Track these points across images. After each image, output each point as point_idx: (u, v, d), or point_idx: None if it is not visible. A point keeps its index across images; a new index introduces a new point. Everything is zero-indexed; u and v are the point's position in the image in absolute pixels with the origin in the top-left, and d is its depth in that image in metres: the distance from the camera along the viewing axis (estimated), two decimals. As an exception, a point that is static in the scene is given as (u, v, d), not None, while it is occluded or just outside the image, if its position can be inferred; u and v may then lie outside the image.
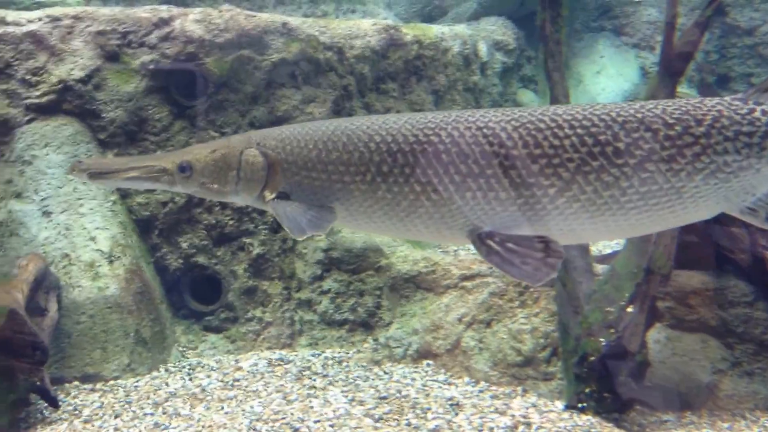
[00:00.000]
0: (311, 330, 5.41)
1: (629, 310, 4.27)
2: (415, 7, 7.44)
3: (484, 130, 2.74)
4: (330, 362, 5.08)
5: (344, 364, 5.06)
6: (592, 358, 4.24)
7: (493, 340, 4.87)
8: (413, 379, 4.78)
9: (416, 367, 4.96)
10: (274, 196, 3.03)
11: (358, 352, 5.23)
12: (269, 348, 5.37)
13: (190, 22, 5.48)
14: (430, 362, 4.99)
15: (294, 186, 3.01)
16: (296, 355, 5.22)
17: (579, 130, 2.67)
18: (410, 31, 6.21)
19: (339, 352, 5.25)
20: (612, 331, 4.29)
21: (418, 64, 6.25)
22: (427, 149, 2.78)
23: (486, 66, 6.94)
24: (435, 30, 6.48)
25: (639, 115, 2.68)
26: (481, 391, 4.62)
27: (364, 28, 5.98)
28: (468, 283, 5.11)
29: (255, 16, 5.67)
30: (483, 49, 6.86)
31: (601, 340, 4.26)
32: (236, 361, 5.13)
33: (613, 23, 8.47)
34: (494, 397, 4.54)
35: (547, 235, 2.73)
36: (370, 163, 2.85)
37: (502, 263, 2.70)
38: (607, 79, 7.98)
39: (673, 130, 2.64)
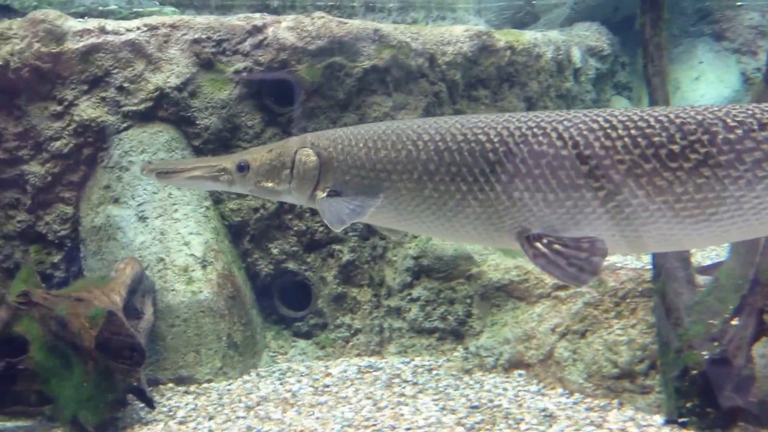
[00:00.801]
0: (400, 338, 5.36)
1: (734, 322, 4.08)
2: (507, 13, 7.35)
3: (535, 130, 2.66)
4: (420, 370, 5.02)
5: (434, 372, 4.99)
6: (694, 372, 4.08)
7: (588, 351, 4.72)
8: (505, 389, 4.67)
9: (508, 377, 4.85)
10: (325, 194, 3.05)
11: (448, 360, 5.14)
12: (358, 355, 5.35)
13: (283, 29, 5.53)
14: (522, 372, 4.87)
15: (344, 185, 3.02)
16: (385, 363, 5.17)
17: (633, 132, 2.55)
18: (503, 37, 6.12)
19: (428, 360, 5.18)
20: (715, 344, 4.11)
21: (510, 71, 6.15)
22: (474, 148, 2.73)
23: (579, 72, 6.79)
24: (528, 36, 6.37)
25: (699, 118, 2.54)
26: (575, 403, 4.48)
27: (456, 35, 5.92)
28: (561, 293, 4.97)
29: (347, 23, 5.68)
30: (576, 55, 6.71)
31: (704, 353, 4.08)
32: (326, 367, 5.12)
33: (713, 28, 8.17)
34: (589, 409, 4.39)
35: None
36: (417, 161, 2.82)
37: (547, 265, 2.63)
38: (706, 85, 7.70)
39: (734, 134, 2.49)
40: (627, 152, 2.52)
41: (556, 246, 2.61)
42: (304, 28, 5.52)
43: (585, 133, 2.60)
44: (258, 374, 5.02)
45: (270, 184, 3.18)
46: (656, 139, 2.51)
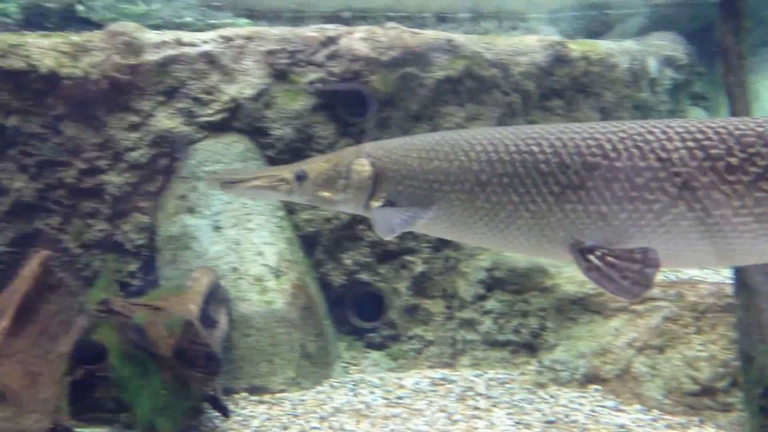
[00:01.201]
0: (473, 350, 5.29)
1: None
2: (580, 22, 7.24)
3: (588, 141, 2.62)
4: (493, 383, 4.95)
5: (508, 385, 4.91)
6: (779, 390, 3.94)
7: (667, 367, 4.59)
8: (581, 404, 4.57)
9: (583, 392, 4.74)
10: (379, 204, 3.07)
11: (522, 374, 5.06)
12: (431, 367, 5.30)
13: (356, 40, 5.54)
14: (598, 387, 4.75)
15: (398, 194, 3.03)
16: (458, 375, 5.11)
17: (690, 144, 2.47)
18: (577, 47, 6.02)
19: (502, 374, 5.10)
20: (802, 361, 3.96)
21: (584, 81, 6.05)
22: (526, 159, 2.70)
23: (655, 82, 6.64)
24: (603, 45, 6.25)
25: (760, 130, 2.44)
26: (653, 420, 4.37)
27: (529, 45, 5.85)
28: (639, 307, 4.84)
29: (420, 33, 5.67)
30: (652, 64, 6.56)
31: (790, 370, 3.94)
32: (399, 378, 5.08)
33: (793, 36, 7.92)
34: (669, 426, 4.28)
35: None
36: (469, 171, 2.81)
37: (600, 278, 2.59)
38: (785, 95, 7.45)
39: None
40: (683, 164, 2.46)
41: (609, 258, 2.57)
42: (377, 38, 5.52)
43: (640, 144, 2.55)
44: (331, 385, 5.01)
45: (326, 194, 3.22)
46: (714, 151, 2.44)
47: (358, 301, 5.58)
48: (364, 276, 5.52)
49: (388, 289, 5.49)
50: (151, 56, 5.36)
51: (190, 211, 5.33)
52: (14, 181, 5.37)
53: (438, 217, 2.95)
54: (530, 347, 5.19)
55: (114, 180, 5.42)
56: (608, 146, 2.59)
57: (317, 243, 5.53)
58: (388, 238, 3.11)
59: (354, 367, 5.31)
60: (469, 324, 5.34)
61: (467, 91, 5.61)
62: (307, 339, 5.06)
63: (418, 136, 3.20)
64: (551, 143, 2.69)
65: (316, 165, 3.29)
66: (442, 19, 7.13)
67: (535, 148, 2.70)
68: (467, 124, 5.55)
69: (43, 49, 5.27)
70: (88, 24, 5.95)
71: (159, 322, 4.35)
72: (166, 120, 5.41)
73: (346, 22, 6.90)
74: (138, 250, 5.47)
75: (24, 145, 5.35)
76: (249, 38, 5.57)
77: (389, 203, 3.06)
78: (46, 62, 5.24)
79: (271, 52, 5.54)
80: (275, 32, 5.62)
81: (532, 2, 7.45)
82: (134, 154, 5.42)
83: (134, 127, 5.41)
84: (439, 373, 5.18)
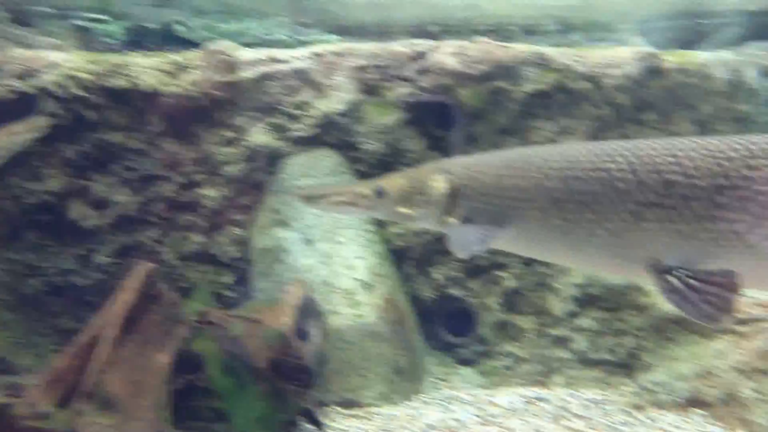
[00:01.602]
0: (566, 368, 5.20)
1: None
2: (671, 33, 7.07)
3: (666, 158, 2.55)
4: (588, 403, 4.85)
5: (603, 406, 4.80)
6: None
7: (775, 392, 4.42)
8: (682, 429, 4.43)
9: (685, 416, 4.59)
10: (456, 221, 3.10)
11: (619, 395, 4.94)
12: (522, 384, 5.23)
13: (446, 54, 5.54)
14: (701, 411, 4.60)
15: (474, 211, 3.04)
16: (552, 394, 5.03)
17: None
18: (672, 58, 5.88)
19: (597, 394, 4.99)
20: None
21: (680, 93, 5.90)
22: (602, 176, 2.65)
23: (754, 93, 6.42)
24: (698, 56, 6.10)
25: None
26: (761, 448, 4.20)
27: (622, 57, 5.75)
28: (743, 328, 4.68)
29: (509, 47, 5.64)
30: (752, 75, 6.36)
31: None
32: (491, 396, 5.03)
33: None
34: (777, 455, 4.11)
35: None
36: (543, 189, 2.78)
37: (680, 302, 2.50)
38: None
39: None
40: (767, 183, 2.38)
41: (690, 280, 2.49)
42: (466, 53, 5.51)
43: (722, 162, 2.46)
44: (422, 400, 4.99)
45: (404, 210, 3.30)
46: None
47: (448, 316, 5.56)
48: (454, 291, 5.50)
49: (479, 305, 5.46)
50: (247, 73, 5.48)
51: (283, 224, 5.41)
52: (117, 194, 5.55)
53: (514, 234, 2.94)
54: (626, 367, 5.07)
55: (210, 194, 5.55)
56: (689, 164, 2.52)
57: (407, 257, 5.54)
58: (463, 257, 3.14)
59: (445, 383, 5.28)
60: (562, 341, 5.25)
61: (557, 104, 5.54)
62: (397, 353, 5.06)
63: (498, 152, 3.20)
64: (628, 160, 2.63)
65: (394, 181, 3.36)
66: (530, 32, 7.07)
67: (612, 165, 2.65)
68: (557, 138, 5.48)
69: (145, 68, 5.45)
70: (186, 43, 6.12)
71: (255, 335, 4.42)
72: (259, 135, 5.51)
73: (433, 36, 6.92)
74: (232, 263, 5.59)
75: (126, 161, 5.54)
76: (340, 54, 5.64)
77: (466, 220, 3.08)
78: (148, 81, 5.42)
79: (361, 68, 5.59)
80: (365, 48, 5.68)
81: (621, 13, 7.33)
82: (229, 169, 5.54)
83: (229, 142, 5.54)
84: (531, 391, 5.10)
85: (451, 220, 3.14)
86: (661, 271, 2.57)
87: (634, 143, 2.73)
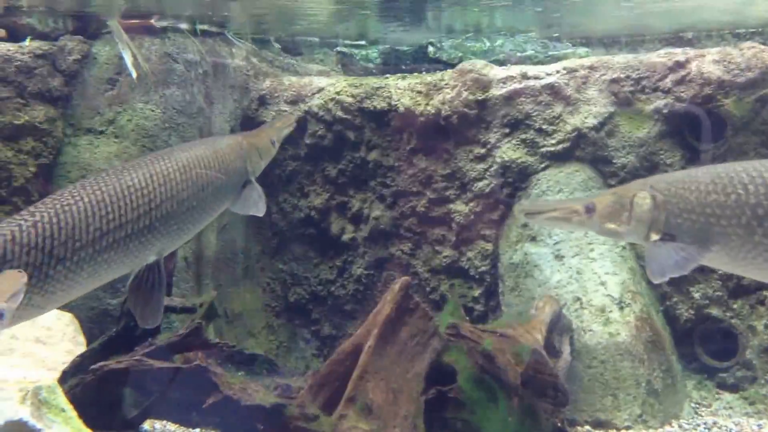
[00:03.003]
0: None
1: None
2: None
3: None
4: None
5: None
6: None
7: None
8: None
9: None
10: (659, 237, 3.11)
11: None
12: (794, 415, 4.83)
13: (708, 63, 5.27)
14: None
15: (677, 228, 3.05)
16: (830, 429, 4.60)
17: None
18: None
19: None
20: None
21: None
22: None
23: None
24: None
25: None
26: None
27: None
28: None
29: (780, 52, 5.24)
30: None
31: None
32: (759, 426, 4.69)
33: None
34: None
35: None
36: (746, 206, 2.77)
37: None
38: None
39: None
40: None
41: None
42: (732, 60, 5.20)
43: None
44: (680, 426, 4.77)
45: (612, 226, 3.34)
46: None
47: (707, 338, 5.26)
48: (714, 311, 5.20)
49: (743, 327, 5.11)
50: (498, 91, 5.56)
51: (532, 239, 5.41)
52: (373, 209, 5.86)
53: (716, 251, 2.95)
54: None
55: (460, 209, 5.69)
56: None
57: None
58: (658, 281, 3.15)
59: (705, 409, 5.01)
60: (842, 371, 4.79)
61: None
62: (653, 375, 4.87)
63: (702, 168, 3.21)
64: None
65: (604, 198, 3.42)
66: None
67: None
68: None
69: (401, 90, 5.71)
70: (437, 63, 6.33)
71: (506, 350, 4.46)
72: (510, 151, 5.57)
73: (688, 42, 6.61)
74: (481, 277, 5.68)
75: (383, 177, 5.84)
76: (593, 68, 5.55)
77: (669, 237, 3.09)
78: (403, 101, 5.68)
79: (615, 80, 5.47)
80: (619, 60, 5.54)
81: None
82: (479, 184, 5.65)
83: (480, 158, 5.64)
84: (806, 423, 4.71)
85: (654, 236, 3.17)
86: None
87: None
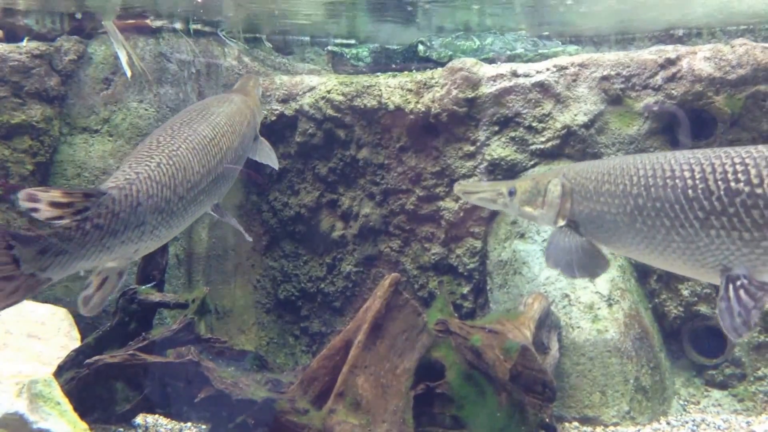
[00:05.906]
0: (835, 398, 4.75)
1: None
2: None
3: (737, 167, 2.61)
4: None
5: None
6: None
7: None
8: None
9: None
10: (564, 223, 3.32)
11: None
12: (783, 412, 4.84)
13: (699, 60, 5.28)
14: None
15: (579, 215, 3.26)
16: (817, 425, 4.61)
17: None
18: None
19: None
20: None
21: None
22: (676, 184, 2.75)
23: None
24: None
25: None
26: None
27: None
28: None
29: (772, 48, 5.25)
30: None
31: None
32: (747, 423, 4.70)
33: None
34: None
35: None
36: (630, 195, 2.94)
37: (722, 311, 2.63)
38: None
39: None
40: None
41: (741, 291, 2.58)
42: (723, 57, 5.21)
43: None
44: (668, 423, 4.77)
45: (528, 209, 3.57)
46: None
47: (696, 335, 5.26)
48: (703, 308, 5.21)
49: (732, 325, 5.11)
50: (488, 89, 5.56)
51: (521, 236, 5.42)
52: (363, 207, 5.86)
53: (609, 238, 3.14)
54: None
55: (449, 206, 5.69)
56: (753, 172, 2.58)
57: (651, 271, 5.32)
58: (550, 266, 3.43)
59: (693, 406, 5.01)
60: (830, 368, 4.80)
61: (826, 109, 5.08)
62: (641, 371, 4.88)
63: (604, 159, 3.50)
64: (701, 169, 2.72)
65: (524, 183, 3.61)
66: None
67: (686, 174, 2.75)
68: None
69: (391, 88, 5.71)
70: (428, 61, 6.33)
71: (495, 346, 4.46)
72: (499, 149, 5.57)
73: (679, 40, 6.61)
74: (470, 274, 5.68)
75: (372, 175, 5.84)
76: (583, 65, 5.55)
77: (573, 223, 3.30)
78: (394, 99, 5.68)
79: (605, 78, 5.47)
80: (610, 58, 5.55)
81: None
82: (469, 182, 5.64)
83: (469, 155, 5.64)
84: (793, 419, 4.71)
85: (560, 221, 3.37)
86: (729, 279, 2.67)
87: (713, 151, 2.81)
